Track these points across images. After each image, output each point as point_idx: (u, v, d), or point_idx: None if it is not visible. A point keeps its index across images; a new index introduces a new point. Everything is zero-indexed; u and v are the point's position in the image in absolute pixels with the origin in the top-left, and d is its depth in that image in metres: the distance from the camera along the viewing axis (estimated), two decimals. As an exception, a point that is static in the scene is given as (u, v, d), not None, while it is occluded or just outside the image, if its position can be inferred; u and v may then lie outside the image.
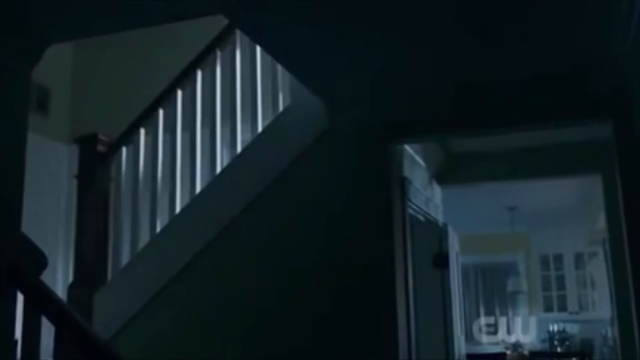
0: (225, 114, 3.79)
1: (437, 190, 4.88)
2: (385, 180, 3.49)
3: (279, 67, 3.58)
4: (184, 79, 3.89)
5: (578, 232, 8.50)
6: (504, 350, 8.24)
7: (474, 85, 3.27)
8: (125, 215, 3.92)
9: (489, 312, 9.63)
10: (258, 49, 3.69)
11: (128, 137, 3.95)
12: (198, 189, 3.76)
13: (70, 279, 3.92)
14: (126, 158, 3.95)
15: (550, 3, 2.50)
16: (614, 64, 2.96)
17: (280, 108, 3.71)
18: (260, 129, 3.72)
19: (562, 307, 9.52)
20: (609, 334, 7.66)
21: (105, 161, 3.92)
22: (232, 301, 3.56)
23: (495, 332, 8.78)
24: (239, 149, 3.73)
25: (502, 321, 8.91)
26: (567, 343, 9.11)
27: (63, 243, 4.94)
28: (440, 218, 4.68)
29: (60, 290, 3.89)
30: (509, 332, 8.70)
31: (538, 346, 8.95)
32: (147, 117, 3.95)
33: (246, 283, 3.56)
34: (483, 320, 8.99)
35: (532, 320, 9.12)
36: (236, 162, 3.72)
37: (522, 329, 8.75)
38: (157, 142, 3.89)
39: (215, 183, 3.74)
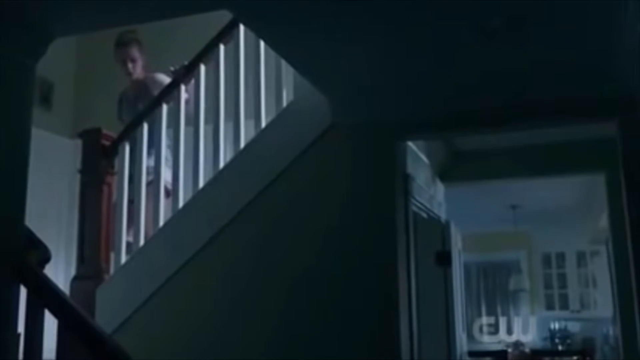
0: (228, 109, 3.79)
1: (440, 188, 4.87)
2: (388, 177, 3.49)
3: (283, 63, 3.57)
4: (188, 74, 3.89)
5: (581, 231, 8.49)
6: (505, 348, 8.23)
7: (477, 83, 3.27)
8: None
9: (491, 311, 9.62)
10: (262, 44, 3.68)
11: (131, 131, 3.95)
12: (201, 184, 3.76)
13: (73, 272, 3.93)
14: (129, 152, 3.94)
15: (555, 2, 2.49)
16: (619, 62, 2.95)
17: (284, 104, 3.71)
18: (263, 125, 3.72)
19: (564, 306, 9.52)
20: (611, 333, 7.66)
21: (109, 155, 3.92)
22: (233, 297, 3.56)
23: (496, 332, 8.79)
24: (242, 145, 3.73)
25: (503, 321, 8.92)
26: (569, 341, 9.11)
27: (66, 237, 4.94)
28: (443, 216, 4.67)
29: (62, 283, 3.90)
30: (509, 332, 8.70)
31: (539, 344, 8.95)
32: (150, 112, 3.95)
33: (248, 279, 3.56)
34: (484, 320, 9.00)
35: (533, 320, 9.13)
36: (239, 158, 3.72)
37: (523, 329, 8.75)
38: (160, 137, 3.89)
39: (218, 179, 3.74)
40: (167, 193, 3.90)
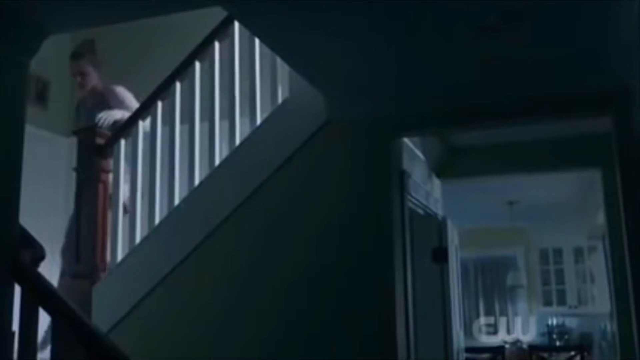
0: (224, 107, 3.78)
1: (437, 184, 4.87)
2: (384, 174, 3.49)
3: (278, 60, 3.56)
4: (183, 71, 3.88)
5: (577, 227, 8.48)
6: (502, 344, 8.24)
7: (473, 79, 3.27)
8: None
9: (489, 308, 9.64)
10: (257, 41, 3.67)
11: (126, 129, 3.94)
12: (197, 181, 3.76)
13: (69, 271, 3.92)
14: (125, 150, 3.93)
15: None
16: (614, 57, 2.95)
17: (279, 101, 3.71)
18: (259, 122, 3.71)
19: (562, 301, 9.53)
20: (608, 329, 7.67)
21: (104, 153, 3.91)
22: (230, 295, 3.56)
23: (495, 332, 8.81)
24: (237, 142, 3.72)
25: (502, 321, 8.93)
26: (566, 337, 9.12)
27: (61, 236, 4.93)
28: (439, 212, 4.67)
29: (57, 282, 3.89)
30: (508, 331, 8.71)
31: (537, 340, 8.96)
32: (145, 110, 3.94)
33: (243, 277, 3.55)
34: (483, 320, 9.01)
35: (532, 319, 9.14)
36: (235, 155, 3.71)
37: (522, 328, 8.76)
38: (156, 135, 3.88)
39: (213, 176, 3.73)
40: (125, 210, 3.88)
